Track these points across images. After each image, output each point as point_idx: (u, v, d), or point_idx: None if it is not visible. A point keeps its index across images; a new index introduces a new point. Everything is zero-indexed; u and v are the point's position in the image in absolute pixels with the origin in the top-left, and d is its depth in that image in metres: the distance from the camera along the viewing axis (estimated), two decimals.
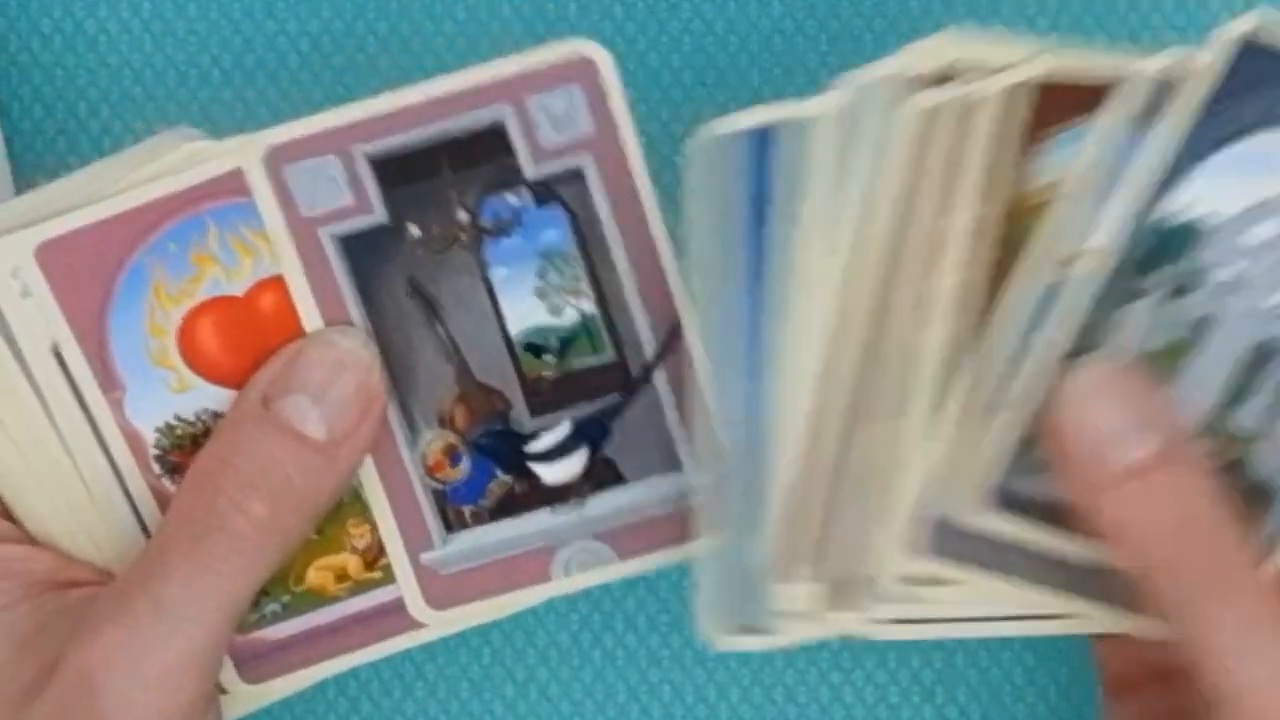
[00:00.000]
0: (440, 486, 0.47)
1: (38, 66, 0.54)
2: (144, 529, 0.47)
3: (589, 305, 0.47)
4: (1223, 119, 0.46)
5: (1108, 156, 0.46)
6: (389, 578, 0.48)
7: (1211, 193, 0.47)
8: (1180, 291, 0.47)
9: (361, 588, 0.48)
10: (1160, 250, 0.47)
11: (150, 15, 0.54)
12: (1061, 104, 0.46)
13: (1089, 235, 0.46)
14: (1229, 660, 0.44)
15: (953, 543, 0.47)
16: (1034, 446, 0.47)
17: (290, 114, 0.54)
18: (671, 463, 0.48)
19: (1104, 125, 0.46)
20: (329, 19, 0.54)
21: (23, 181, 0.54)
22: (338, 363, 0.45)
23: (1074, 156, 0.46)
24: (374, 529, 0.47)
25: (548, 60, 0.46)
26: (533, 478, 0.48)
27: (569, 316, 0.47)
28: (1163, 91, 0.45)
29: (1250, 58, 0.46)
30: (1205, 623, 0.44)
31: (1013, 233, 0.46)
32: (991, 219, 0.46)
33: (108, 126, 0.54)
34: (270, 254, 0.46)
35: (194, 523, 0.44)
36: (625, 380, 0.47)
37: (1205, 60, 0.45)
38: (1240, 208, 0.47)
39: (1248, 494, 0.47)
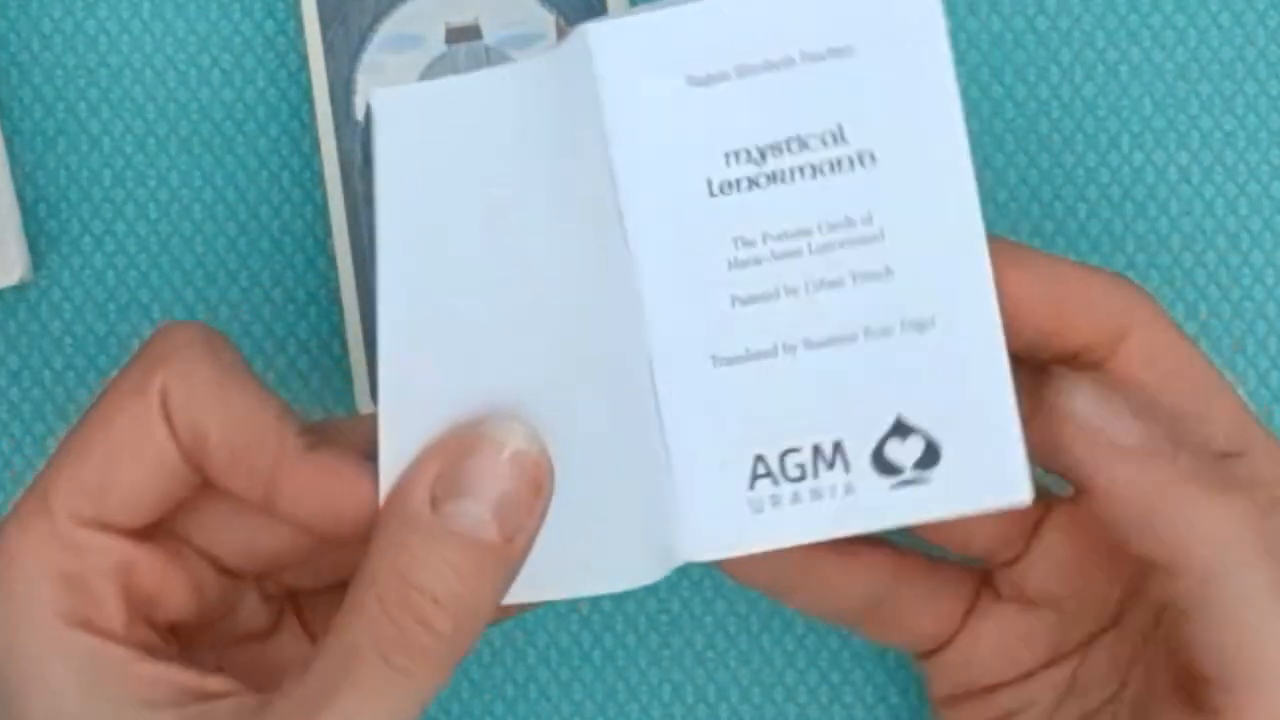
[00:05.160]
0: None
1: (38, 66, 0.54)
2: None
3: None
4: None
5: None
6: None
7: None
8: None
9: None
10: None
11: (150, 15, 0.54)
12: None
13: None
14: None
15: None
16: None
17: (291, 115, 0.54)
18: None
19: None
20: None
21: (23, 182, 0.54)
22: (510, 467, 0.43)
23: None
24: None
25: None
26: None
27: None
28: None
29: None
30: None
31: None
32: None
33: (108, 126, 0.54)
34: None
35: (382, 641, 0.43)
36: None
37: None
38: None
39: None
